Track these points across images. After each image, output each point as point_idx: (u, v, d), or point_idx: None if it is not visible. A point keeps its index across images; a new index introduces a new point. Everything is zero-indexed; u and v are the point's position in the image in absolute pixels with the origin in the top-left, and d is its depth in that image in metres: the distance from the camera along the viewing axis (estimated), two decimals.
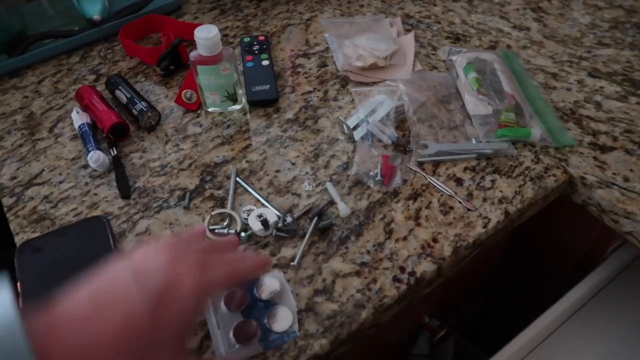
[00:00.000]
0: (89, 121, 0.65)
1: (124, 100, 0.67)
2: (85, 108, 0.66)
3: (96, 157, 0.60)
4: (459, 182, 0.58)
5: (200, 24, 0.80)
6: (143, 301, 0.31)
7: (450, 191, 0.56)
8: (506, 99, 0.64)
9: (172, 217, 0.55)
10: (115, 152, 0.62)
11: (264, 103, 0.68)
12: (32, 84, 0.74)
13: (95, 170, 0.61)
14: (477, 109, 0.63)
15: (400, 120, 0.65)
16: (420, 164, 0.60)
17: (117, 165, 0.61)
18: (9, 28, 0.77)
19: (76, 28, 0.82)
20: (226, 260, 0.39)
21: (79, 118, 0.65)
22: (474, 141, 0.62)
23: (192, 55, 0.62)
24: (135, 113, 0.64)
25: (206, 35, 0.59)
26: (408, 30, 0.80)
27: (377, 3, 0.86)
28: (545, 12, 0.82)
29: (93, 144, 0.62)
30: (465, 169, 0.59)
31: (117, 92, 0.68)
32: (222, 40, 0.77)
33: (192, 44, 0.78)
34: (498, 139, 0.61)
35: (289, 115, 0.67)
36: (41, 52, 0.77)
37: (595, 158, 0.59)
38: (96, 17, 0.80)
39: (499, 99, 0.64)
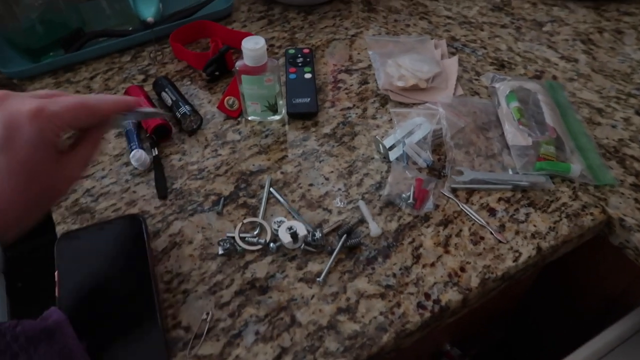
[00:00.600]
0: (134, 120, 0.67)
1: (169, 102, 0.69)
2: None
3: (138, 156, 0.62)
4: (492, 212, 0.57)
5: (248, 33, 0.82)
6: None
7: (483, 221, 0.56)
8: (547, 131, 0.63)
9: (205, 221, 0.57)
10: (157, 153, 0.64)
11: (303, 116, 0.69)
12: (85, 80, 0.77)
13: (135, 168, 0.63)
14: (517, 139, 0.62)
15: (437, 144, 0.65)
16: (454, 190, 0.59)
17: (157, 166, 0.63)
18: (68, 24, 0.81)
19: (130, 28, 0.85)
20: (76, 96, 0.42)
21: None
22: (510, 172, 0.61)
23: (238, 64, 0.64)
24: (179, 116, 0.67)
25: (253, 46, 0.61)
26: (452, 54, 0.80)
27: (423, 24, 0.87)
28: (595, 45, 0.81)
29: (136, 142, 0.64)
30: (500, 199, 0.58)
31: (163, 94, 0.70)
32: (267, 50, 0.79)
33: (239, 52, 0.80)
34: (536, 171, 0.60)
35: (327, 129, 0.68)
36: (96, 50, 0.80)
37: (636, 200, 0.57)
38: (150, 19, 0.83)
39: (540, 130, 0.64)
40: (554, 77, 0.75)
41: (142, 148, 0.63)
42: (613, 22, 0.86)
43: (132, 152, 0.62)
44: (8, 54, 0.80)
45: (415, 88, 0.72)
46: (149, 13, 0.84)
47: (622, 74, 0.75)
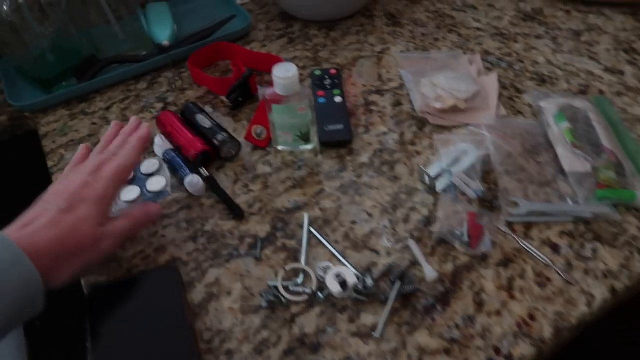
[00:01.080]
0: (171, 147, 0.63)
1: (205, 128, 0.64)
2: (168, 134, 0.65)
3: (195, 182, 0.58)
4: (555, 248, 0.52)
5: (270, 55, 0.78)
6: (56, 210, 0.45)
7: (547, 259, 0.51)
8: (605, 154, 0.59)
9: (243, 267, 0.52)
10: (208, 173, 0.60)
11: (337, 144, 0.65)
12: (101, 110, 0.73)
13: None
14: (574, 165, 0.58)
15: (485, 172, 0.60)
16: (510, 225, 0.55)
17: (215, 187, 0.59)
18: (80, 51, 0.77)
19: (144, 53, 0.81)
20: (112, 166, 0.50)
21: (163, 144, 0.64)
22: (569, 201, 0.56)
23: (268, 93, 0.59)
24: (217, 143, 0.62)
25: (285, 74, 0.56)
26: (488, 69, 0.75)
27: (453, 37, 0.82)
28: (639, 54, 0.76)
29: (186, 168, 0.60)
30: (562, 233, 0.54)
31: (198, 118, 0.65)
32: None
33: (261, 74, 0.76)
34: (598, 201, 0.55)
35: (364, 158, 0.63)
36: (110, 78, 0.76)
37: None
38: (165, 42, 0.79)
39: (596, 153, 0.59)
40: (601, 92, 0.70)
41: (193, 173, 0.60)
42: None
43: (187, 179, 0.59)
44: (19, 85, 0.76)
45: (454, 109, 0.67)
46: (164, 36, 0.80)
47: None
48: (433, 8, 0.90)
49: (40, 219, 0.44)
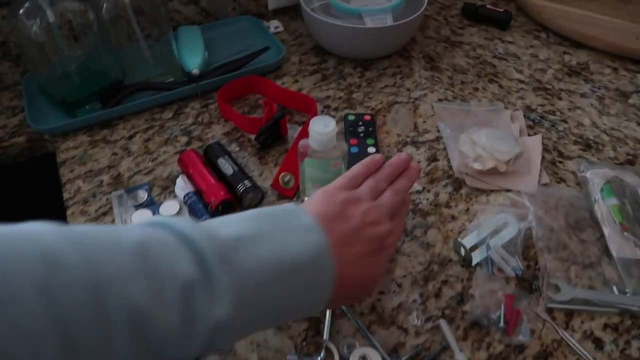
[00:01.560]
0: (193, 190, 0.60)
1: (229, 173, 0.61)
2: (189, 176, 0.62)
3: None
4: (598, 343, 0.48)
5: (303, 95, 0.75)
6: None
7: (590, 357, 0.47)
8: None
9: (261, 336, 0.49)
10: None
11: None
12: (123, 139, 0.70)
13: None
14: (622, 250, 0.54)
15: (525, 246, 0.56)
16: (550, 311, 0.51)
17: None
18: (107, 73, 0.74)
19: (172, 79, 0.78)
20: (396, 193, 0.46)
21: (184, 186, 0.61)
22: (615, 289, 0.52)
23: (301, 144, 0.56)
24: (240, 192, 0.59)
25: (322, 129, 0.53)
26: (530, 127, 0.71)
27: (493, 88, 0.78)
28: None
29: (207, 214, 0.57)
30: (606, 326, 0.50)
31: (221, 162, 0.62)
32: (322, 112, 0.71)
33: (291, 112, 0.73)
34: None
35: None
36: (135, 105, 0.73)
37: None
38: (195, 71, 0.76)
39: None
40: None
41: None
42: None
43: None
44: (40, 106, 0.73)
45: (493, 171, 0.63)
46: (194, 64, 0.77)
47: None
48: (473, 53, 0.86)
49: (355, 248, 0.40)
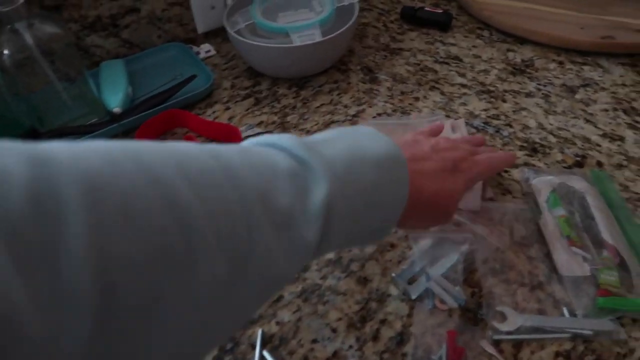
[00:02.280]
0: None
1: None
2: None
3: None
4: None
5: (228, 125, 0.70)
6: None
7: None
8: (606, 250, 0.51)
9: None
10: None
11: None
12: None
13: None
14: (570, 268, 0.50)
15: (469, 271, 0.52)
16: (497, 343, 0.47)
17: None
18: (20, 122, 0.69)
19: (95, 119, 0.73)
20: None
21: None
22: (565, 311, 0.48)
23: None
24: None
25: None
26: (472, 135, 0.67)
27: (435, 95, 0.74)
28: None
29: None
30: (557, 355, 0.45)
31: None
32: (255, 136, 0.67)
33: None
34: (598, 310, 0.47)
35: (330, 254, 0.55)
36: None
37: None
38: (116, 109, 0.72)
39: (597, 250, 0.51)
40: (599, 164, 0.62)
41: None
42: None
43: None
44: None
45: None
46: (115, 102, 0.72)
47: None
48: (414, 60, 0.82)
49: (427, 163, 0.43)
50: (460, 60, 0.81)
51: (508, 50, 0.83)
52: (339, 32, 0.72)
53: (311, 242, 0.31)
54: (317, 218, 0.31)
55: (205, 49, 0.86)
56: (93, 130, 0.70)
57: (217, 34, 0.90)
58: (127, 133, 0.71)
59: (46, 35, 0.67)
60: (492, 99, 0.73)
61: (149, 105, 0.72)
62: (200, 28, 0.87)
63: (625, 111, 0.69)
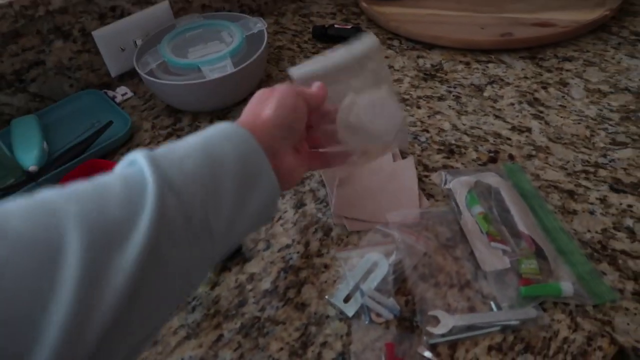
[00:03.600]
0: None
1: None
2: None
3: None
4: None
5: None
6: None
7: None
8: (523, 240, 0.54)
9: None
10: None
11: (232, 258, 0.57)
12: None
13: None
14: (492, 263, 0.52)
15: (401, 280, 0.54)
16: (434, 347, 0.48)
17: None
18: None
19: (12, 180, 0.70)
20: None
21: None
22: (492, 305, 0.50)
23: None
24: None
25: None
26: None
27: None
28: (543, 105, 0.73)
29: None
30: (490, 348, 0.47)
31: None
32: None
33: None
34: (522, 299, 0.50)
35: (266, 284, 0.55)
36: None
37: None
38: (32, 168, 0.69)
39: (515, 241, 0.54)
40: (511, 157, 0.66)
41: None
42: (555, 72, 0.78)
43: None
44: None
45: (369, 205, 0.61)
46: (30, 160, 0.70)
47: (582, 138, 0.67)
48: None
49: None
50: None
51: (418, 57, 0.86)
52: (250, 60, 0.73)
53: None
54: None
55: (122, 92, 0.85)
56: (10, 192, 0.67)
57: (133, 75, 0.89)
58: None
59: None
60: (407, 107, 0.76)
61: (66, 159, 0.70)
62: (113, 71, 0.86)
63: (529, 103, 0.74)
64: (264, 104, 0.45)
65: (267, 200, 0.41)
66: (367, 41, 0.52)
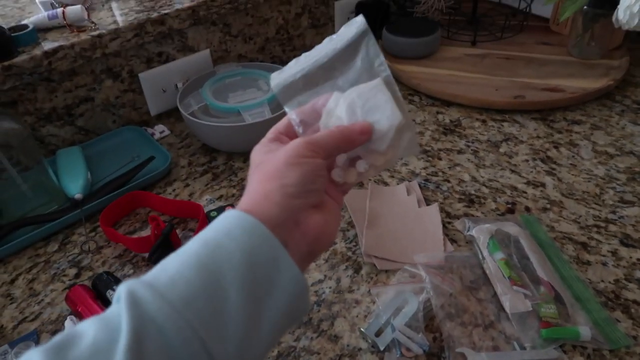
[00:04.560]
0: None
1: None
2: (79, 315, 0.57)
3: None
4: None
5: (189, 202, 0.74)
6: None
7: None
8: (543, 286, 0.58)
9: None
10: None
11: None
12: (4, 285, 0.65)
13: None
14: (515, 305, 0.56)
15: (428, 318, 0.57)
16: None
17: None
18: None
19: (56, 207, 0.75)
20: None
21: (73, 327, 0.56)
22: (515, 345, 0.54)
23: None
24: None
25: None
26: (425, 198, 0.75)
27: None
28: (555, 163, 0.79)
29: None
30: None
31: (110, 295, 0.59)
32: (215, 214, 0.71)
33: (183, 222, 0.72)
34: (543, 341, 0.53)
35: None
36: (15, 245, 0.68)
37: None
38: (77, 195, 0.73)
39: (535, 286, 0.58)
40: (527, 209, 0.71)
41: None
42: (565, 134, 0.85)
43: None
44: None
45: (397, 246, 0.65)
46: (75, 188, 0.74)
47: (592, 195, 0.72)
48: None
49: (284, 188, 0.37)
50: None
51: (437, 112, 0.93)
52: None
53: None
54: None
55: (160, 130, 0.90)
56: (55, 219, 0.71)
57: (170, 115, 0.95)
58: (90, 217, 0.73)
59: (2, 131, 0.69)
60: (429, 158, 0.81)
61: (109, 189, 0.75)
62: (153, 110, 0.92)
63: (542, 160, 0.80)
64: (271, 174, 0.35)
65: (291, 298, 0.32)
66: (354, 26, 0.40)
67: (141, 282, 0.30)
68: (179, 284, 0.30)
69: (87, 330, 0.29)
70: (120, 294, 0.30)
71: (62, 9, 0.81)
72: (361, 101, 0.39)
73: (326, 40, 0.41)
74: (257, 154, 0.40)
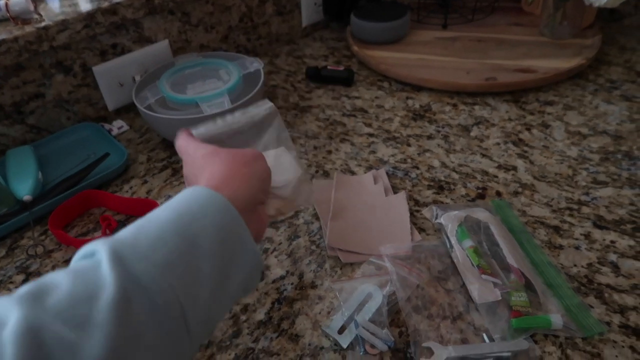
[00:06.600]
0: None
1: None
2: None
3: None
4: None
5: (145, 200, 0.70)
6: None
7: None
8: (512, 274, 0.55)
9: None
10: None
11: None
12: None
13: None
14: (483, 295, 0.53)
15: (394, 312, 0.54)
16: None
17: None
18: None
19: (5, 209, 0.70)
20: None
21: None
22: (485, 337, 0.51)
23: None
24: None
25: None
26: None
27: (346, 147, 0.79)
28: (527, 145, 0.76)
29: None
30: None
31: None
32: None
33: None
34: (513, 331, 0.51)
35: (260, 315, 0.55)
36: None
37: (632, 348, 0.49)
38: (26, 197, 0.69)
39: (505, 274, 0.55)
40: (498, 193, 0.68)
41: None
42: (537, 115, 0.82)
43: None
44: None
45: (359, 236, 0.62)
46: (25, 189, 0.70)
47: (565, 177, 0.70)
48: (323, 115, 0.87)
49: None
50: (366, 111, 0.87)
51: (407, 98, 0.90)
52: (246, 97, 0.76)
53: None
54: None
55: (118, 125, 0.86)
56: (3, 222, 0.67)
57: (129, 109, 0.90)
58: (41, 219, 0.69)
59: None
60: (398, 145, 0.78)
61: (61, 189, 0.71)
62: (111, 105, 0.88)
63: (514, 143, 0.77)
64: (242, 161, 0.41)
65: (250, 272, 0.38)
66: (264, 108, 0.54)
67: (121, 242, 0.32)
68: (161, 249, 0.32)
69: (60, 281, 0.29)
70: (96, 250, 0.31)
71: (4, 1, 0.76)
72: (271, 160, 0.49)
73: (241, 114, 0.54)
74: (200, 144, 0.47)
